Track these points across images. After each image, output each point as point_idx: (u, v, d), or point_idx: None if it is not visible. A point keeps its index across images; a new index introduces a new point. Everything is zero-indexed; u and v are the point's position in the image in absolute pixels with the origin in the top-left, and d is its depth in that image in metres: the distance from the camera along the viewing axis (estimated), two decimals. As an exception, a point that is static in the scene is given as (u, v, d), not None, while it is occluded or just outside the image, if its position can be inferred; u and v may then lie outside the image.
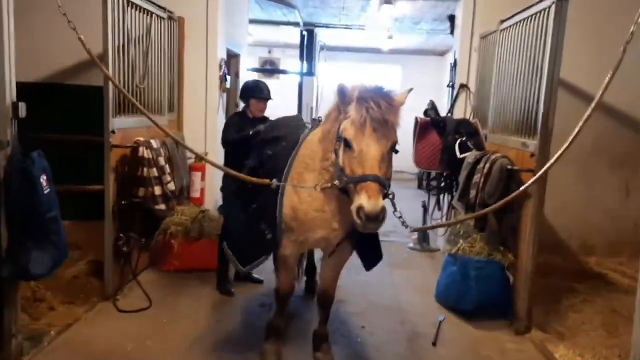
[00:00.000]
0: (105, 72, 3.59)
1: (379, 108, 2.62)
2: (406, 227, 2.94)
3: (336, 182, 2.79)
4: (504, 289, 4.39)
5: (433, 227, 4.63)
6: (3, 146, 2.94)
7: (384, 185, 2.59)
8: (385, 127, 2.64)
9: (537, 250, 4.15)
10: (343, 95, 2.79)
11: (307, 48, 11.12)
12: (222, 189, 4.56)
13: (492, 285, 4.36)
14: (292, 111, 11.60)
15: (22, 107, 3.01)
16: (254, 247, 3.31)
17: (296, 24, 10.82)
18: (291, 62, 14.11)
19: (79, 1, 5.02)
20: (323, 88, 11.33)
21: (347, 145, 2.67)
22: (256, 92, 4.83)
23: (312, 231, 3.19)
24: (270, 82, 14.28)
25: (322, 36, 11.58)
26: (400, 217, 2.85)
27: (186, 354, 3.59)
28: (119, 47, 4.34)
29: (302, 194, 3.14)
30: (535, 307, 4.37)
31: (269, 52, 14.73)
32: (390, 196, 2.76)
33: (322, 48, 11.88)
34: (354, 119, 2.66)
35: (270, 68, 14.10)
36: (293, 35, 11.77)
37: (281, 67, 14.27)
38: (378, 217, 2.50)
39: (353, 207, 2.58)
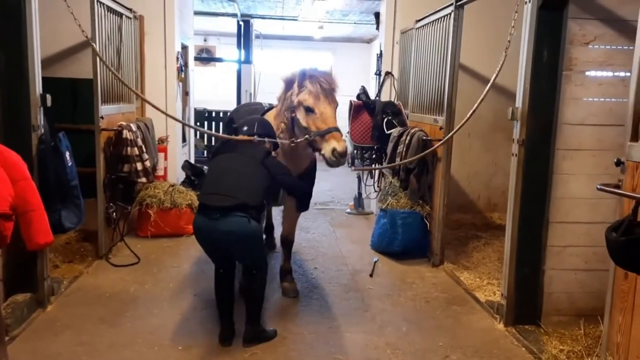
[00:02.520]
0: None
1: (326, 81, 3.81)
2: (350, 166, 4.19)
3: (307, 136, 3.80)
4: (424, 233, 5.59)
5: (372, 169, 5.60)
6: (35, 129, 3.74)
7: (341, 133, 3.76)
8: (332, 94, 3.84)
9: (447, 202, 5.35)
10: (291, 81, 3.93)
11: (244, 37, 11.91)
12: None
13: (414, 231, 5.57)
14: (229, 97, 12.46)
15: (48, 98, 3.80)
16: None
17: (233, 15, 11.57)
18: (226, 50, 14.80)
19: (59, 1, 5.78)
20: (260, 75, 12.20)
21: (310, 110, 3.76)
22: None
23: None
24: (207, 70, 14.93)
25: (258, 25, 12.37)
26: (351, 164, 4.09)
27: (181, 293, 4.51)
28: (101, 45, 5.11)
29: None
30: (448, 250, 5.63)
31: (205, 40, 15.30)
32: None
33: (257, 37, 12.68)
34: (311, 91, 3.75)
35: (207, 57, 14.75)
36: (228, 25, 12.47)
37: (217, 55, 14.93)
38: (346, 154, 3.67)
39: (327, 150, 3.67)
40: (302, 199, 4.50)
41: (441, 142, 4.60)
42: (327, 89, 3.81)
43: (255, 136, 3.84)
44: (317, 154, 3.94)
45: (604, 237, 2.38)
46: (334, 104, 3.84)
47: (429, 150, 4.55)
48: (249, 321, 3.66)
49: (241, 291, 4.03)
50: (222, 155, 3.79)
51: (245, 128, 3.87)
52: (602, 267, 3.51)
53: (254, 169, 3.61)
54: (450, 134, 4.65)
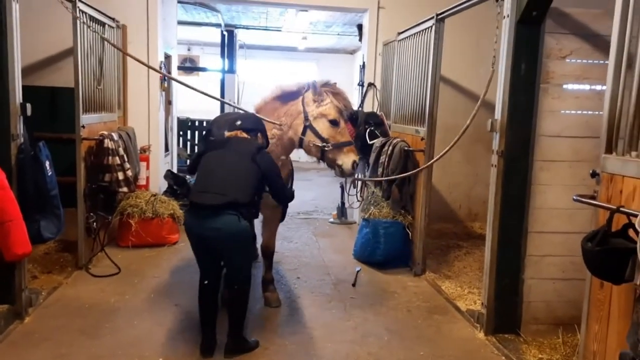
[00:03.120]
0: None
1: (347, 100, 4.15)
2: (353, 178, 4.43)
3: (325, 145, 4.03)
4: (406, 243, 5.63)
5: (370, 179, 5.77)
6: (14, 138, 3.70)
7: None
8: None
9: (428, 212, 5.41)
10: (315, 89, 4.12)
11: (228, 47, 11.92)
12: None
13: (396, 240, 5.60)
14: (213, 106, 12.45)
15: (28, 107, 3.77)
16: None
17: (217, 25, 11.58)
18: (210, 59, 14.78)
19: (41, 10, 5.74)
20: (244, 85, 12.19)
21: (335, 123, 4.00)
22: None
23: None
24: (191, 79, 15.01)
25: (242, 36, 12.39)
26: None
27: (162, 304, 4.46)
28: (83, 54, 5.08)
29: None
30: (429, 259, 5.68)
31: (189, 49, 15.28)
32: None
33: (241, 47, 12.68)
34: (337, 106, 4.02)
35: (190, 66, 14.72)
36: (212, 34, 12.47)
37: (200, 65, 14.92)
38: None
39: (348, 162, 4.00)
40: (284, 206, 4.51)
41: (434, 160, 4.72)
42: (348, 107, 4.19)
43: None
44: (321, 163, 4.23)
45: (580, 247, 2.43)
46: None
47: (422, 167, 4.70)
48: (230, 333, 3.63)
49: (224, 302, 4.01)
50: (211, 153, 3.76)
51: (238, 122, 3.89)
52: (579, 276, 3.56)
53: (244, 165, 3.59)
54: (444, 151, 4.61)
